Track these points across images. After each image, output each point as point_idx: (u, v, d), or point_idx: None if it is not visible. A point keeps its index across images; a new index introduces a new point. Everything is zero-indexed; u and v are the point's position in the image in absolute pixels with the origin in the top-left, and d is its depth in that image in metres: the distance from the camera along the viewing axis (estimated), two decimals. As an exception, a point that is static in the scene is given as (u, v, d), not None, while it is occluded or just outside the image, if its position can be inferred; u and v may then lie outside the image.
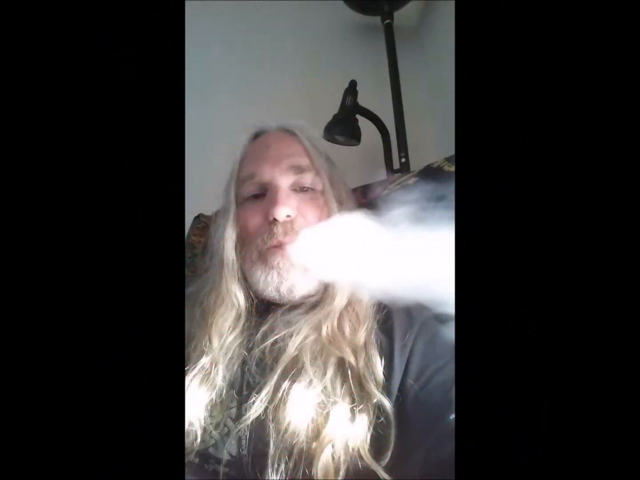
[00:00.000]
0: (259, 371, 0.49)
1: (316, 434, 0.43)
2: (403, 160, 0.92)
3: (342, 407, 0.45)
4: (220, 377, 0.49)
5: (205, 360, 0.49)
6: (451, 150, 0.42)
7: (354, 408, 0.45)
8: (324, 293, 0.53)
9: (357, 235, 0.48)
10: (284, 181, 0.55)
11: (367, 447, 0.43)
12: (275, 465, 0.42)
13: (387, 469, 0.42)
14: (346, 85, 0.91)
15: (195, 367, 0.49)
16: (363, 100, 0.93)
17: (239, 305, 0.54)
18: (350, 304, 0.52)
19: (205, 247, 0.73)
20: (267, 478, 0.42)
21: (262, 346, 0.50)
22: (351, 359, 0.47)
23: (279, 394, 0.45)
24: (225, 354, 0.50)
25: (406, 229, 0.45)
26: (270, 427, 0.44)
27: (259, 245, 0.53)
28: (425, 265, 0.41)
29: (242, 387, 0.49)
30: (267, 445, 0.43)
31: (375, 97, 0.97)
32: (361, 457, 0.42)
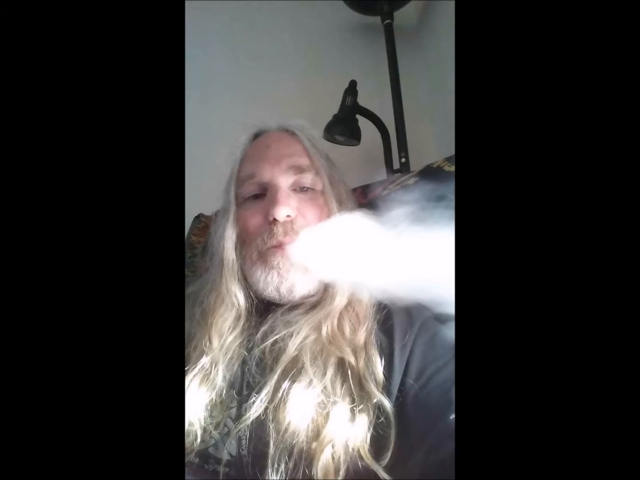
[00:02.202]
0: (259, 371, 0.49)
1: (316, 434, 0.43)
2: (403, 160, 0.92)
3: (342, 407, 0.45)
4: (220, 377, 0.49)
5: (205, 360, 0.49)
6: (451, 150, 0.42)
7: (354, 408, 0.45)
8: (324, 293, 0.53)
9: (357, 235, 0.48)
10: (284, 181, 0.55)
11: (367, 447, 0.43)
12: (275, 465, 0.42)
13: (387, 469, 0.42)
14: (346, 85, 0.91)
15: (195, 367, 0.49)
16: (363, 100, 0.93)
17: (239, 305, 0.54)
18: (350, 304, 0.52)
19: (205, 247, 0.73)
20: (267, 478, 0.42)
21: (262, 346, 0.50)
22: (351, 359, 0.47)
23: (279, 394, 0.45)
24: (225, 354, 0.50)
25: (406, 229, 0.45)
26: (270, 427, 0.44)
27: (259, 245, 0.53)
28: (425, 265, 0.41)
29: (242, 387, 0.49)
30: (267, 445, 0.43)
31: (375, 97, 0.97)
32: (361, 457, 0.42)
